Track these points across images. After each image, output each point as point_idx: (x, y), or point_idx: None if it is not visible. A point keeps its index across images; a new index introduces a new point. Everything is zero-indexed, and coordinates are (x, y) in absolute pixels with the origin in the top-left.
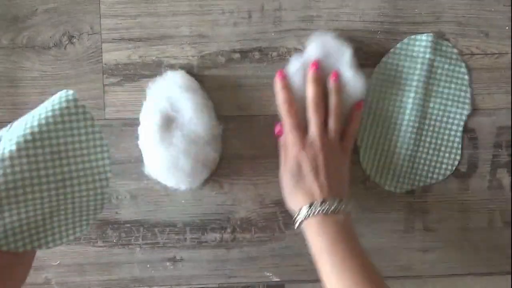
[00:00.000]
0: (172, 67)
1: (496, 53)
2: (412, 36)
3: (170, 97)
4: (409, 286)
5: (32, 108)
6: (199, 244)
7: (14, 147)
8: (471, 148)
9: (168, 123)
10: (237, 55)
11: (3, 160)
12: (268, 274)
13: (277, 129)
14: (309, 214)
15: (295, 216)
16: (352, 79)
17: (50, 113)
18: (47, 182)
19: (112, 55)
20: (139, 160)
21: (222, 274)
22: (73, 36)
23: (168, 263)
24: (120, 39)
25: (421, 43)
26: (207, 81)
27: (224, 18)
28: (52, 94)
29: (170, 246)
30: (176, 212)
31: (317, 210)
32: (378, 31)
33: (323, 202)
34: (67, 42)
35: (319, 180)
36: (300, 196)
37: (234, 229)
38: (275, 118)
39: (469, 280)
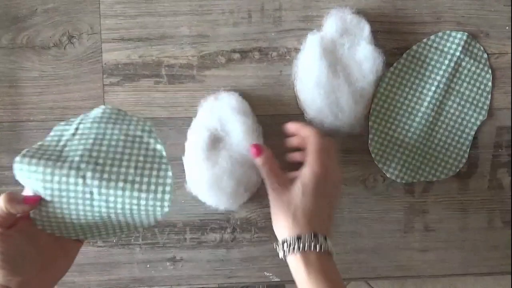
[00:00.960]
0: (172, 67)
1: (496, 53)
2: (447, 31)
3: (221, 117)
4: (409, 286)
5: (32, 108)
6: (199, 244)
7: (79, 154)
8: (471, 148)
9: (216, 142)
10: (237, 55)
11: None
12: (268, 274)
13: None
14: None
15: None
16: (371, 55)
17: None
18: (107, 179)
19: (112, 55)
20: None
21: (222, 274)
22: (73, 36)
23: (168, 263)
24: (120, 39)
25: (455, 40)
26: (207, 81)
27: (224, 18)
28: (52, 94)
29: (170, 246)
30: (176, 212)
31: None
32: (378, 31)
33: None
34: (67, 42)
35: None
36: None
37: (234, 229)
38: (275, 119)
39: (469, 280)
